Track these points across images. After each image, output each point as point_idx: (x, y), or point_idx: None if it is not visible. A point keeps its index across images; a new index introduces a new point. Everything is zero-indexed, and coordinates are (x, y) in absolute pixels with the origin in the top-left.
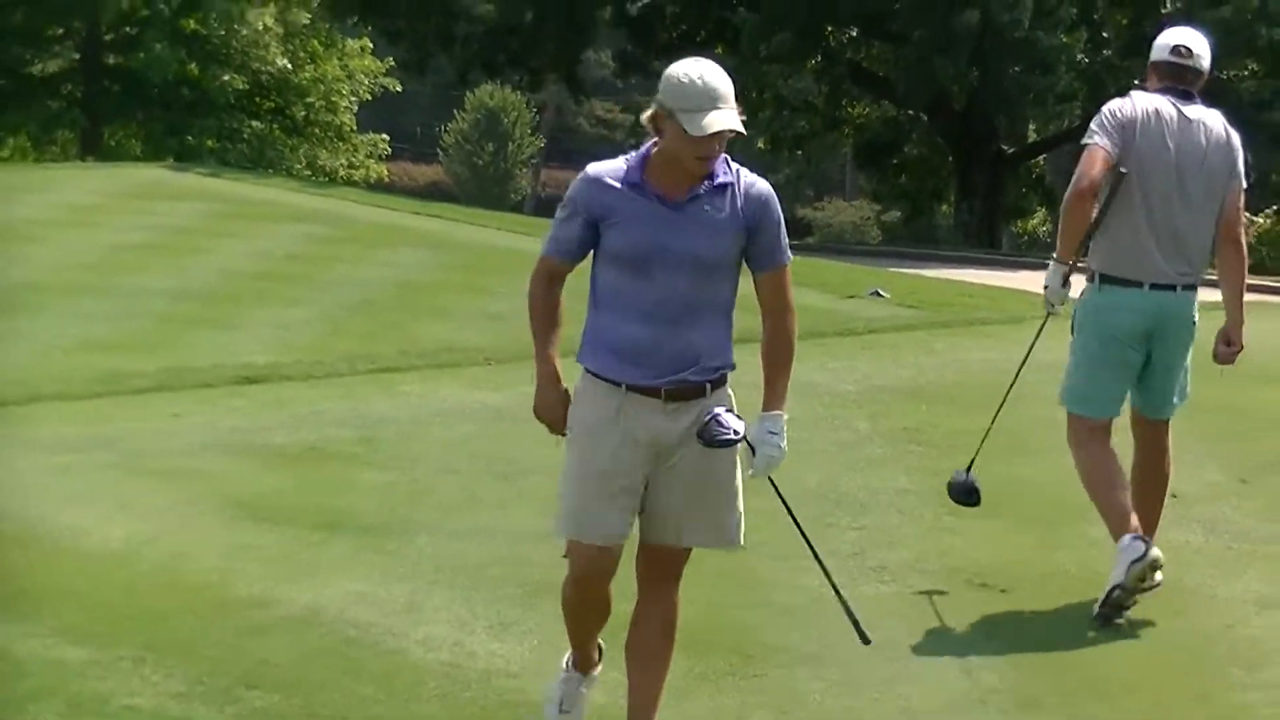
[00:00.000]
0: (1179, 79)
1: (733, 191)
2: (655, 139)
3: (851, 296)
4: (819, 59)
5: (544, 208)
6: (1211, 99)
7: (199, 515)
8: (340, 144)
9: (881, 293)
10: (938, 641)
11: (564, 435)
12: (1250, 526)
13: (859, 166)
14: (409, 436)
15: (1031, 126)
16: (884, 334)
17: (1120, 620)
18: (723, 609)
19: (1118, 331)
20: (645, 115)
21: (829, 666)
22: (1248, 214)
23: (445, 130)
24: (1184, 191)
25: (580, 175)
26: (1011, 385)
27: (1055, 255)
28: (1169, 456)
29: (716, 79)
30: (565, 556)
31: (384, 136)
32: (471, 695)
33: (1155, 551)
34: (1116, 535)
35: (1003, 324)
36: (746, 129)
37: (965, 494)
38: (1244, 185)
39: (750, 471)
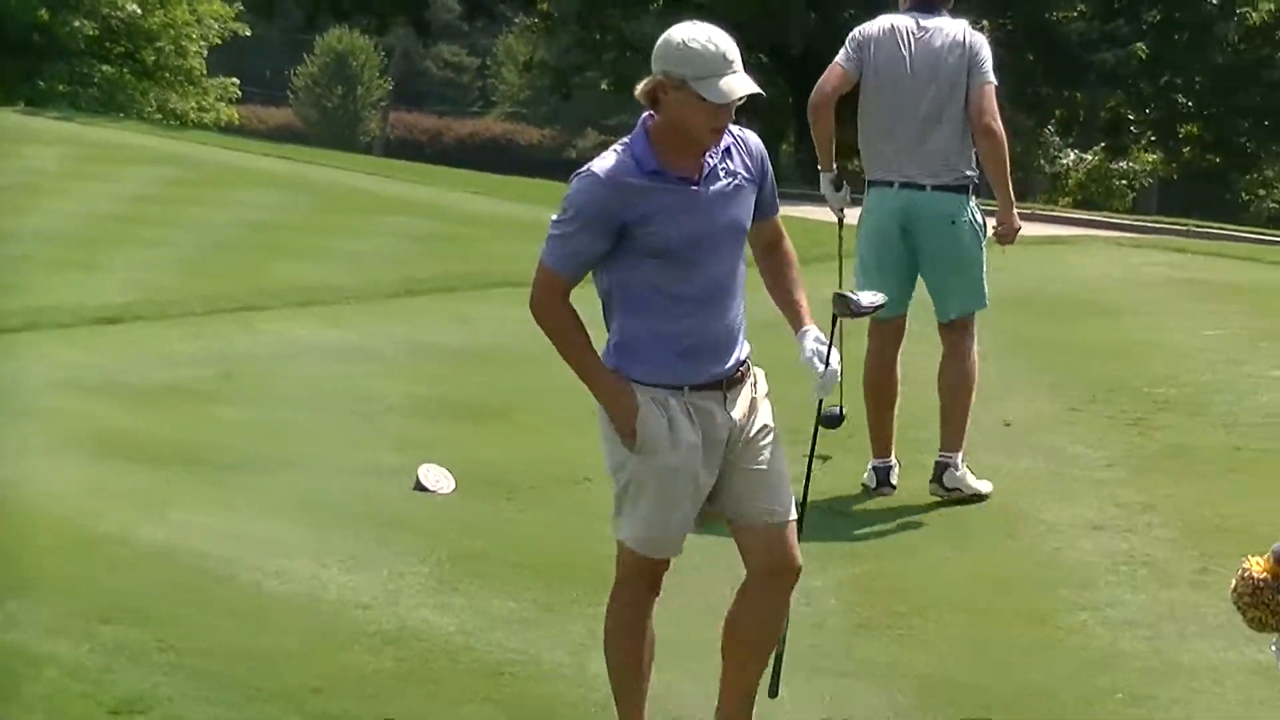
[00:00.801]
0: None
1: (736, 149)
2: (647, 116)
3: None
4: (661, 1)
5: (393, 149)
6: (1041, 39)
7: (59, 454)
8: (190, 87)
9: None
10: None
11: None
12: (1079, 453)
13: None
14: (267, 374)
15: None
16: None
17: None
18: (576, 539)
19: (878, 230)
20: (641, 88)
21: (674, 595)
22: (1077, 151)
23: (295, 74)
24: (922, 96)
25: (585, 180)
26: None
27: (820, 167)
28: (970, 362)
29: (725, 41)
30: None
31: (234, 80)
32: (324, 626)
33: (887, 490)
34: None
35: (845, 259)
36: (590, 70)
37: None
38: (991, 83)
39: (819, 388)
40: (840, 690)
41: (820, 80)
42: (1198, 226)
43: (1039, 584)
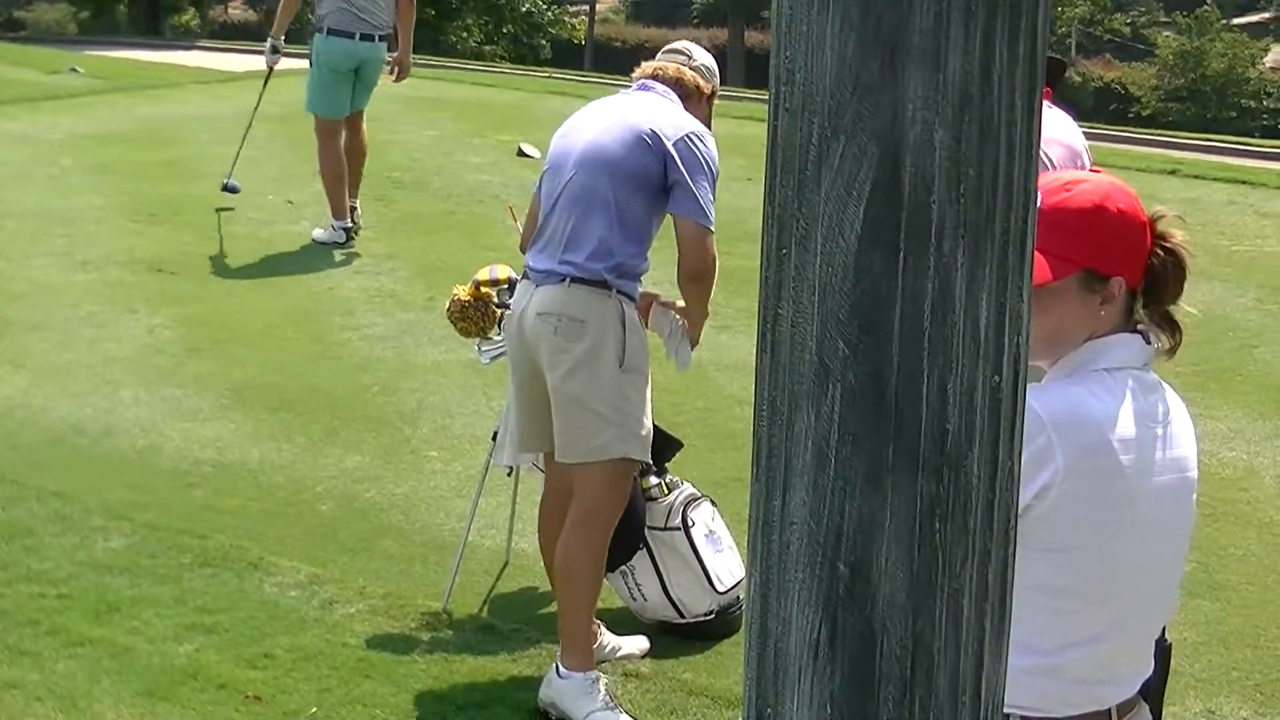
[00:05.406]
0: None
1: None
2: (671, 96)
3: (55, 72)
4: None
5: None
6: None
7: None
8: None
9: (77, 68)
10: (128, 314)
11: None
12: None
13: None
14: None
15: None
16: (81, 98)
17: None
18: None
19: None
20: (698, 81)
21: (50, 332)
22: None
23: None
24: None
25: (711, 138)
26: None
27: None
28: (361, 137)
29: None
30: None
31: None
32: None
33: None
34: (337, 215)
35: (161, 88)
36: None
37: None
38: None
39: None
40: (175, 396)
41: None
42: (424, 60)
43: (317, 313)
